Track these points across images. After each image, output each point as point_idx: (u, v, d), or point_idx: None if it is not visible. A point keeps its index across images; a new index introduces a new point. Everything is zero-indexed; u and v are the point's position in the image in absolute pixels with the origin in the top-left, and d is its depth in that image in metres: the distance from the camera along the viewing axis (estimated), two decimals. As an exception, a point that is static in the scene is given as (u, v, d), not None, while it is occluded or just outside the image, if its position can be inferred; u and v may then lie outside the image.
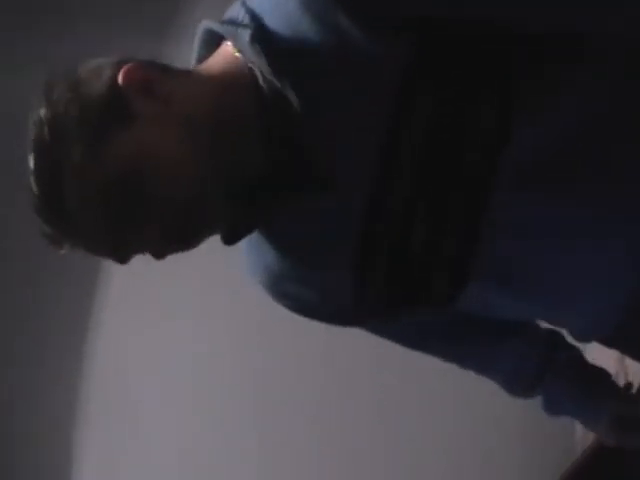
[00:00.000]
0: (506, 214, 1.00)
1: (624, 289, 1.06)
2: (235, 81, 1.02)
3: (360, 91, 0.97)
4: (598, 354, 1.43)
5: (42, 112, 1.01)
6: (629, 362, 1.35)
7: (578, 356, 1.31)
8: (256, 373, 2.67)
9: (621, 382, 1.35)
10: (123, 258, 1.05)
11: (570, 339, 1.24)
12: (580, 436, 2.16)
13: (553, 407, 1.31)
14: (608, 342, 1.18)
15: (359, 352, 2.52)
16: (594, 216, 1.02)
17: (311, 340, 2.53)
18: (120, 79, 1.00)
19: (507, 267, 1.04)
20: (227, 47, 1.04)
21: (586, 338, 1.18)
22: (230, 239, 1.10)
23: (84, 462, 2.69)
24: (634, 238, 1.03)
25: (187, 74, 1.05)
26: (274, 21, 0.98)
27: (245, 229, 1.09)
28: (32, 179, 1.01)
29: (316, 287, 1.11)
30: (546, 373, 1.28)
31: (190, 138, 1.00)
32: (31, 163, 1.01)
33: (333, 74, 0.96)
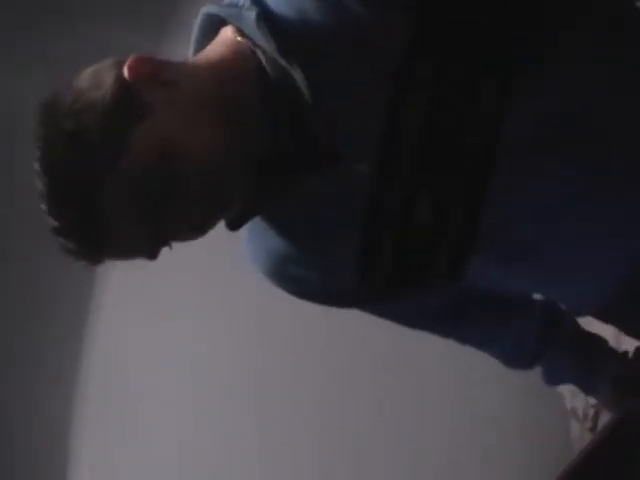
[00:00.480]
0: (506, 196, 1.02)
1: (624, 260, 1.08)
2: (237, 65, 1.02)
3: (360, 75, 0.97)
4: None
5: (49, 131, 0.98)
6: (624, 341, 1.36)
7: (575, 326, 1.32)
8: (256, 373, 2.67)
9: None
10: (157, 252, 1.03)
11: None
12: (577, 435, 2.17)
13: (553, 379, 1.32)
14: (605, 316, 1.20)
15: (359, 352, 2.52)
16: (595, 200, 1.04)
17: (311, 340, 2.53)
18: (126, 73, 0.99)
19: (508, 246, 1.06)
20: (227, 33, 1.04)
21: (583, 311, 1.20)
22: (235, 223, 1.09)
23: (83, 462, 2.69)
24: (634, 218, 1.05)
25: (186, 62, 1.05)
26: (275, 1, 0.98)
27: (250, 213, 1.09)
28: (54, 201, 0.98)
29: (320, 269, 1.12)
30: (547, 349, 1.29)
31: (207, 115, 1.00)
32: (48, 185, 0.97)
33: (333, 57, 0.97)
